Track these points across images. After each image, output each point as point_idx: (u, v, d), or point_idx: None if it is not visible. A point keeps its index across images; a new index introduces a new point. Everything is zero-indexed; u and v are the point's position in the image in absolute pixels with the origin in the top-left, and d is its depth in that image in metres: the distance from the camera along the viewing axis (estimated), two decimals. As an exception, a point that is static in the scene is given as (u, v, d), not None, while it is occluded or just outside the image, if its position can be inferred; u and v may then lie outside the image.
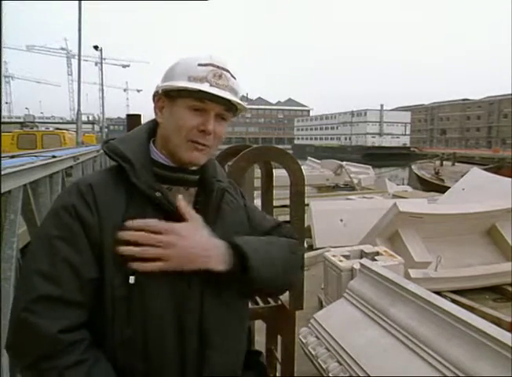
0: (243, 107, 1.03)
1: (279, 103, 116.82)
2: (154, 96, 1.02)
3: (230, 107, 0.99)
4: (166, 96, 0.98)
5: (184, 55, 1.02)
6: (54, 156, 4.80)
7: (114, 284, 0.88)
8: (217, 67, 0.96)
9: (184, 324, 0.92)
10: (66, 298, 0.85)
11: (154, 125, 1.05)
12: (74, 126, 17.05)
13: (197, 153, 0.98)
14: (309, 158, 19.46)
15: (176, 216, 0.93)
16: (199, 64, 0.95)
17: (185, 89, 0.93)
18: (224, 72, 0.97)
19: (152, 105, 1.03)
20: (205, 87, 0.93)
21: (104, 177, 0.98)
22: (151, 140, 1.04)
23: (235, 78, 1.00)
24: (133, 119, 3.54)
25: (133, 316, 0.88)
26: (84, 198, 0.91)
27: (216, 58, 0.98)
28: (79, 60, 15.40)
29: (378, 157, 48.49)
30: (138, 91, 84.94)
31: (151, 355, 0.90)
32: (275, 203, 2.64)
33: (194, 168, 1.03)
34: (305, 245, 5.87)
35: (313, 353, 2.54)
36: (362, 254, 3.92)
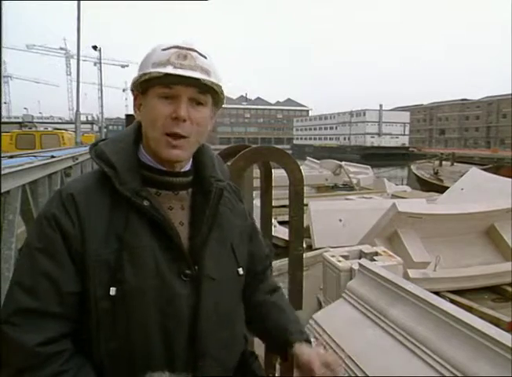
0: (220, 88, 0.92)
1: (278, 103, 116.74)
2: (132, 94, 0.96)
3: (204, 89, 0.90)
4: (141, 92, 0.93)
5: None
6: (53, 156, 4.80)
7: (97, 296, 0.86)
8: (181, 48, 0.89)
9: (171, 334, 0.89)
10: (44, 311, 0.84)
11: (140, 125, 0.99)
12: (73, 126, 17.03)
13: (174, 150, 0.91)
14: (307, 158, 19.44)
15: (162, 225, 0.90)
16: (162, 49, 0.89)
17: (151, 78, 0.87)
18: (190, 52, 0.89)
19: None
20: (168, 70, 0.86)
21: (89, 182, 0.93)
22: (141, 141, 0.99)
23: (205, 57, 0.91)
24: (132, 119, 3.54)
25: (118, 328, 0.86)
26: (65, 207, 0.88)
27: (182, 41, 0.91)
28: (78, 60, 15.42)
29: (377, 157, 48.56)
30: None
31: (137, 366, 0.87)
32: (274, 203, 2.64)
33: (186, 169, 0.99)
34: (304, 245, 5.87)
35: (312, 353, 2.53)
36: (361, 255, 3.91)
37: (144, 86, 0.91)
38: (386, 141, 65.83)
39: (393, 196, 9.82)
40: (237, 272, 1.02)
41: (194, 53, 0.89)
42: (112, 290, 0.85)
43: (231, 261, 1.00)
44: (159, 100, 0.89)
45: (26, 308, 0.83)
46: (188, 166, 1.00)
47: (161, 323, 0.88)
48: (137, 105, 0.96)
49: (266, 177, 2.54)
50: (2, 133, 11.87)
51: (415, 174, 19.16)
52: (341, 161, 15.96)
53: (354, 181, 14.09)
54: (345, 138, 74.26)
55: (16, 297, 0.84)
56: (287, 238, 2.30)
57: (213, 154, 1.07)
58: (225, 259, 0.99)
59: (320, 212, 6.80)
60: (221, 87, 0.92)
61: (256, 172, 2.82)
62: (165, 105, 0.89)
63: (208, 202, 0.97)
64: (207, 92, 0.91)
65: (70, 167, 5.52)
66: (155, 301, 0.87)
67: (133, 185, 0.89)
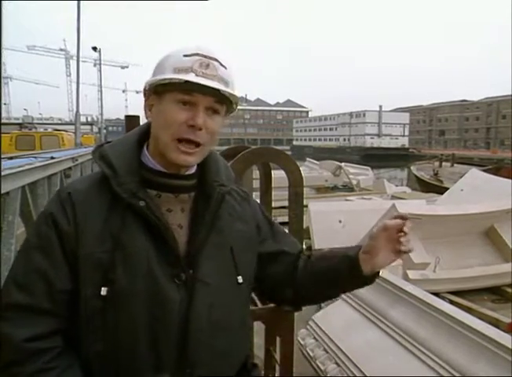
0: (236, 99, 0.94)
1: (278, 104, 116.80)
2: (144, 93, 0.96)
3: (221, 98, 0.91)
4: (155, 93, 0.92)
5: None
6: (53, 157, 4.79)
7: (87, 295, 0.86)
8: (204, 56, 0.89)
9: (159, 338, 0.87)
10: (35, 307, 0.84)
11: (147, 127, 0.99)
12: (72, 127, 17.01)
13: (184, 156, 0.91)
14: (307, 159, 19.43)
15: (157, 226, 0.89)
16: (185, 55, 0.89)
17: (171, 82, 0.87)
18: (212, 61, 0.89)
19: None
20: (190, 77, 0.86)
21: (89, 182, 0.94)
22: (146, 143, 0.99)
23: (225, 68, 0.92)
24: (132, 120, 3.53)
25: (106, 329, 0.86)
26: (63, 205, 0.89)
27: (203, 48, 0.91)
28: (78, 61, 15.39)
29: (376, 158, 48.51)
30: (137, 92, 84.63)
31: (123, 369, 0.86)
32: (273, 204, 2.63)
33: (190, 172, 0.98)
34: (304, 246, 5.87)
35: (312, 354, 2.53)
36: (360, 255, 3.90)
37: (160, 89, 0.90)
38: (386, 142, 65.70)
39: (393, 197, 9.81)
40: (236, 280, 0.98)
41: (216, 63, 0.90)
42: (103, 290, 0.85)
43: (229, 268, 0.97)
44: (176, 105, 0.89)
45: (18, 303, 0.84)
46: (192, 170, 0.99)
47: (150, 326, 0.86)
48: (148, 105, 0.95)
49: (266, 179, 2.53)
50: (2, 135, 11.87)
51: (415, 175, 19.14)
52: (340, 162, 15.95)
53: (354, 182, 14.07)
54: (344, 139, 74.27)
55: (9, 292, 0.86)
56: (286, 239, 2.28)
57: (218, 158, 1.07)
58: (223, 265, 0.96)
59: (319, 213, 6.79)
60: (236, 98, 0.94)
61: (255, 173, 2.82)
62: (181, 111, 0.89)
63: (209, 206, 0.96)
64: (224, 102, 0.93)
65: (69, 168, 5.51)
66: (145, 303, 0.86)
67: (130, 186, 0.89)
